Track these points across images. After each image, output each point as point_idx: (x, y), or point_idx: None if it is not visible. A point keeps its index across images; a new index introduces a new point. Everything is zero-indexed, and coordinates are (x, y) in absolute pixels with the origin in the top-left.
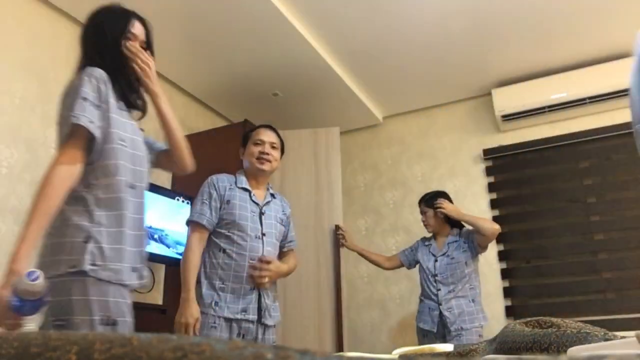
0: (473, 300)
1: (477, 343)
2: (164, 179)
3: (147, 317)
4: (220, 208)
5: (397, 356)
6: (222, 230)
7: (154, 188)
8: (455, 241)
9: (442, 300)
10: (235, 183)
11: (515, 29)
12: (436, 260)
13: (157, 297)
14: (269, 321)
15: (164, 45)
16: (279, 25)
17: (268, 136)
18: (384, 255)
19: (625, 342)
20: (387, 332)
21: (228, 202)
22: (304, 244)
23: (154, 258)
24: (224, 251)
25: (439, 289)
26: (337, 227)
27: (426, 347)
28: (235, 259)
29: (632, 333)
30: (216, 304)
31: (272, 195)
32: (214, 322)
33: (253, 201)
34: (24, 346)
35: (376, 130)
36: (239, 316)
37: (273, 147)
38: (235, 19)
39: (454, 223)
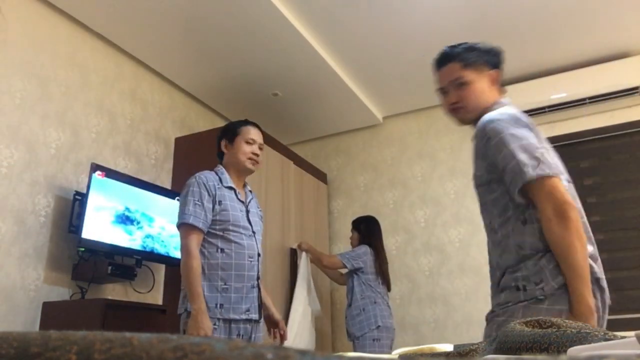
0: (363, 310)
1: (477, 343)
2: (164, 178)
3: (147, 317)
4: (212, 209)
5: (397, 356)
6: (217, 232)
7: (154, 188)
8: None
9: (346, 311)
10: (221, 182)
11: (515, 29)
12: None
13: (157, 297)
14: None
15: (164, 46)
16: (279, 26)
17: (259, 136)
18: None
19: (625, 342)
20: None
21: (220, 202)
22: (274, 255)
23: (153, 258)
24: (222, 251)
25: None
26: (299, 245)
27: (426, 347)
28: (235, 258)
29: (632, 333)
30: (221, 306)
31: (250, 192)
32: (214, 324)
33: (239, 200)
34: (24, 346)
35: (376, 130)
36: (243, 316)
37: (260, 148)
38: (235, 19)
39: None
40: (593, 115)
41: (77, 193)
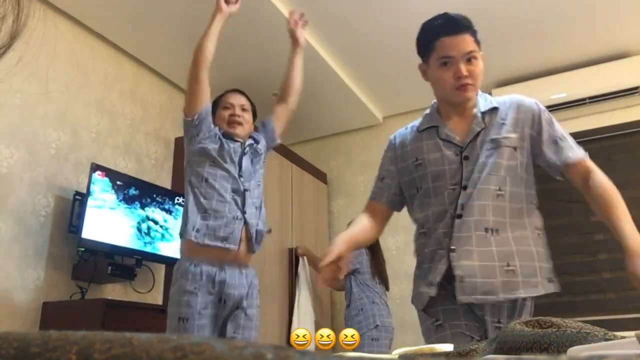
0: (362, 310)
1: (476, 343)
2: (164, 178)
3: (147, 317)
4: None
5: (397, 356)
6: (201, 159)
7: (154, 188)
8: None
9: (345, 311)
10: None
11: (515, 29)
12: None
13: (157, 297)
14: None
15: (164, 46)
16: (279, 26)
17: (237, 99)
18: None
19: (625, 342)
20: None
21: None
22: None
23: (153, 258)
24: (206, 181)
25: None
26: (296, 249)
27: (426, 347)
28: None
29: (632, 333)
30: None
31: (251, 144)
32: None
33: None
34: (24, 346)
35: (376, 130)
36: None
37: (243, 110)
38: (235, 19)
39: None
40: (593, 115)
41: (77, 193)
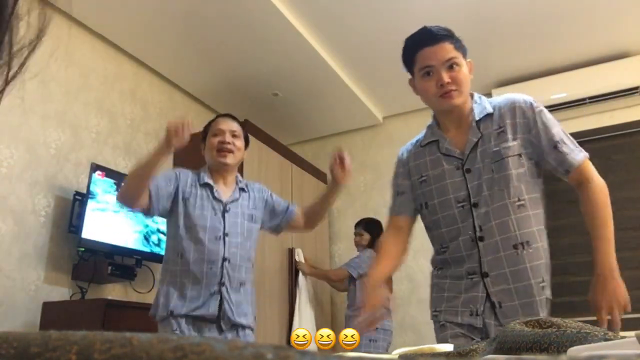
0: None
1: (476, 343)
2: None
3: (147, 317)
4: (172, 195)
5: (397, 356)
6: (180, 232)
7: None
8: None
9: (345, 311)
10: (198, 180)
11: (515, 28)
12: None
13: None
14: (239, 319)
15: (164, 46)
16: (279, 25)
17: (227, 124)
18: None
19: (625, 342)
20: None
21: (186, 200)
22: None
23: (153, 258)
24: (182, 256)
25: None
26: (297, 262)
27: (426, 347)
28: (193, 263)
29: (632, 333)
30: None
31: (243, 189)
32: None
33: (215, 198)
34: (23, 346)
35: (376, 130)
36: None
37: (234, 136)
38: (235, 19)
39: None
40: (593, 115)
41: (77, 193)
